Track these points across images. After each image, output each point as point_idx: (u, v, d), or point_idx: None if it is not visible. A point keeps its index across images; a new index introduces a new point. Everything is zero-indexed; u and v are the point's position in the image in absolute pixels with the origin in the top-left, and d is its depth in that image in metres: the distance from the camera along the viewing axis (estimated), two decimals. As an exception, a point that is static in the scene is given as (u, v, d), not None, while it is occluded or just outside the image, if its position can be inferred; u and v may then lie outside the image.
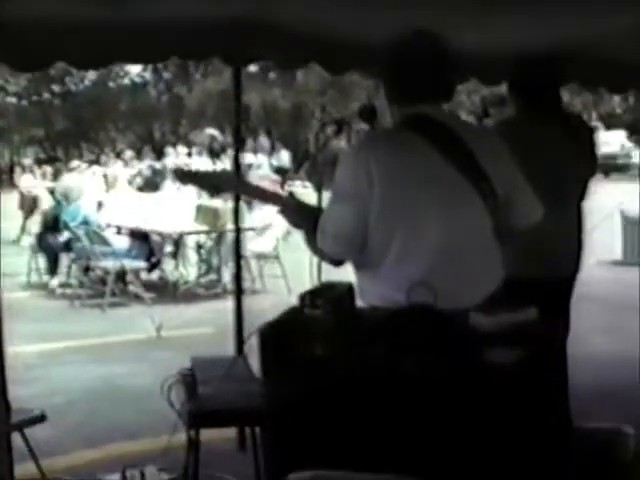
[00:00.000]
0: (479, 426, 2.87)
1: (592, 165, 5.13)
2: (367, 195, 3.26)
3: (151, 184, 19.32)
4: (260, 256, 11.91)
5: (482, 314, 2.92)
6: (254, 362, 3.55)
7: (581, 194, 5.04)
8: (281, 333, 3.03)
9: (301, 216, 3.49)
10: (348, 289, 3.16)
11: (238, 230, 5.95)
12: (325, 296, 3.01)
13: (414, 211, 3.28)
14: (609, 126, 43.48)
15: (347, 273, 3.54)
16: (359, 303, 3.28)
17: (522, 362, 2.80)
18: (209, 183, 4.00)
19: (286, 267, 11.50)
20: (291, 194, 3.58)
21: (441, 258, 3.27)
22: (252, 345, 3.29)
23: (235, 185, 4.27)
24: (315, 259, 3.44)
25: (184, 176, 4.36)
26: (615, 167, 34.92)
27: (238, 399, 3.68)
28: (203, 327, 9.42)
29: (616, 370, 7.40)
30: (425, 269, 3.23)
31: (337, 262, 3.45)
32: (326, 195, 3.48)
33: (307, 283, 3.34)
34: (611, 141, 38.52)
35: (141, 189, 17.77)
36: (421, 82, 3.40)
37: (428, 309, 2.93)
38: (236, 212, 5.87)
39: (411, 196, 3.28)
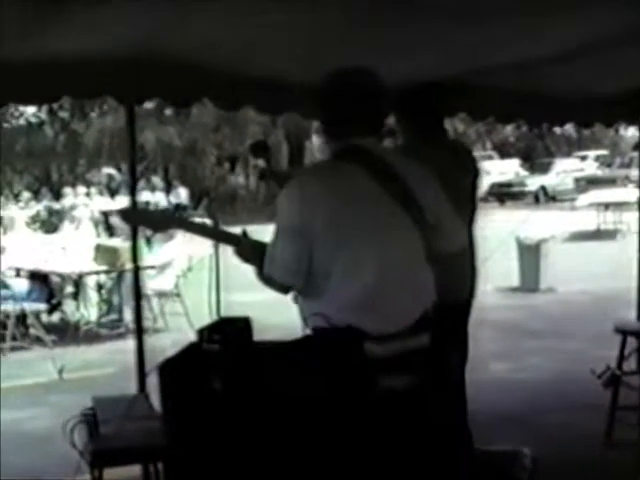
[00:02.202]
0: (372, 451, 2.92)
1: (476, 191, 5.27)
2: (311, 226, 3.40)
3: (49, 225, 19.09)
4: (161, 294, 11.85)
5: (375, 342, 2.98)
6: (156, 399, 3.56)
7: (470, 219, 5.16)
8: (180, 368, 3.05)
9: (255, 254, 3.56)
10: (245, 323, 3.20)
11: (137, 269, 5.93)
12: (222, 331, 3.05)
13: (354, 238, 3.41)
14: (503, 155, 44.38)
15: (247, 308, 3.60)
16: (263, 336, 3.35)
17: (414, 387, 2.86)
18: (157, 222, 3.99)
19: (187, 304, 11.45)
20: (244, 233, 3.64)
21: (379, 283, 3.40)
22: (154, 383, 3.31)
23: (183, 223, 4.21)
24: (214, 296, 3.48)
25: (131, 216, 4.36)
26: (510, 195, 35.62)
27: (140, 436, 3.68)
28: (105, 368, 9.33)
29: (514, 394, 7.56)
30: (363, 294, 3.35)
31: (286, 289, 3.55)
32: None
33: (208, 320, 3.37)
34: (506, 169, 39.31)
35: (40, 230, 17.56)
36: (357, 116, 3.55)
37: (322, 339, 2.99)
38: (134, 251, 5.87)
39: (351, 224, 3.42)
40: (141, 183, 27.90)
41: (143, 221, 4.06)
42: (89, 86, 5.38)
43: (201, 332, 3.07)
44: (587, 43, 5.18)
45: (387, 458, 2.97)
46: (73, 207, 19.19)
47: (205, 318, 3.43)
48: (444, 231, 3.64)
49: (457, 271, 4.71)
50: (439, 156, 4.92)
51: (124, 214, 4.27)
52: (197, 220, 4.32)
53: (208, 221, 3.85)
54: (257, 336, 3.27)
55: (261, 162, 4.16)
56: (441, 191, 3.69)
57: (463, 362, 5.06)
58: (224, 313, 3.44)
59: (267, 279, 3.50)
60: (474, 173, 5.27)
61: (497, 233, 11.40)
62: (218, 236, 3.73)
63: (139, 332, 5.85)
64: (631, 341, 6.03)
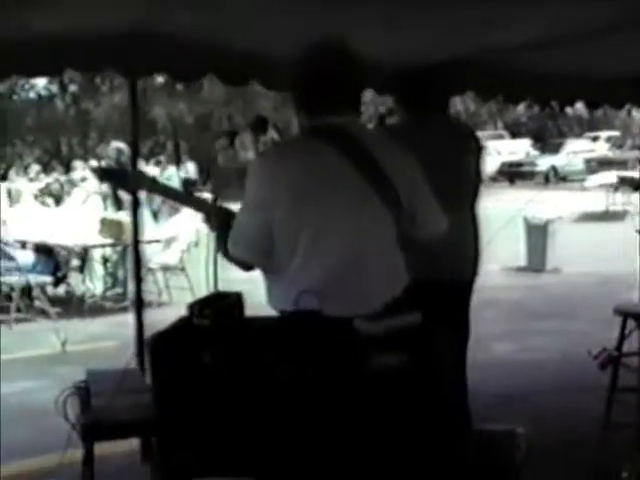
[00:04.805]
0: (365, 430, 2.92)
1: (478, 170, 5.24)
2: (273, 202, 3.31)
3: (56, 198, 19.09)
4: (166, 268, 11.87)
5: (366, 319, 2.96)
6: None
7: (473, 198, 5.14)
8: (170, 343, 3.04)
9: (223, 224, 3.48)
10: (237, 299, 3.19)
11: (137, 243, 5.93)
12: (213, 306, 3.03)
13: (319, 217, 3.33)
14: (515, 134, 44.25)
15: (245, 283, 3.59)
16: (261, 310, 3.33)
17: (407, 366, 2.85)
18: (128, 181, 3.96)
19: (192, 279, 11.46)
20: (216, 201, 3.57)
21: (344, 264, 3.31)
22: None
23: (153, 185, 4.16)
24: (211, 270, 3.46)
25: (103, 173, 4.34)
26: (520, 174, 35.55)
27: (132, 411, 3.66)
28: (109, 340, 9.35)
29: (515, 375, 7.55)
30: (328, 275, 3.27)
31: (247, 267, 3.49)
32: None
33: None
34: (516, 149, 39.21)
35: (47, 203, 17.54)
36: (331, 93, 3.43)
37: (313, 316, 2.97)
38: (135, 224, 5.87)
39: (316, 203, 3.32)
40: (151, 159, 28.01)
41: (115, 180, 4.01)
42: (91, 59, 5.37)
43: (192, 307, 3.06)
44: (593, 24, 5.14)
45: (376, 435, 2.96)
46: (83, 180, 19.15)
47: (210, 292, 3.41)
48: (421, 219, 3.55)
49: (454, 250, 4.70)
50: (437, 137, 4.91)
51: (98, 172, 4.25)
52: (204, 195, 4.28)
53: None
54: (251, 312, 3.27)
55: (269, 137, 4.13)
56: (422, 177, 3.58)
57: (465, 342, 5.05)
58: (222, 288, 3.42)
59: (229, 254, 3.44)
60: (476, 153, 5.24)
61: (505, 212, 11.36)
62: (188, 202, 3.67)
63: (139, 306, 5.86)
64: (632, 323, 6.01)
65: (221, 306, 3.04)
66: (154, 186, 3.83)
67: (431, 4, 4.79)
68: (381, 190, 3.39)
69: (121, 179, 3.94)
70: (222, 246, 3.46)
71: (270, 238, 3.35)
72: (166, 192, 3.92)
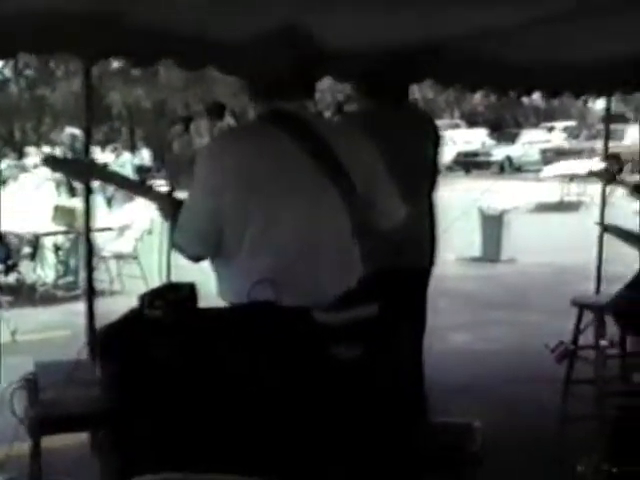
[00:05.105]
0: (323, 422, 2.85)
1: (436, 158, 5.20)
2: (223, 189, 3.23)
3: (8, 183, 18.84)
4: (119, 256, 11.74)
5: (323, 310, 2.89)
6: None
7: (430, 186, 5.10)
8: (120, 335, 2.95)
9: (176, 214, 3.39)
10: (190, 290, 3.10)
11: (89, 230, 5.83)
12: (165, 297, 2.94)
13: (267, 205, 3.25)
14: (471, 124, 44.40)
15: (199, 272, 3.50)
16: (216, 301, 3.25)
17: (364, 357, 2.78)
18: (78, 170, 3.85)
19: (145, 268, 11.35)
20: (171, 191, 3.47)
21: (295, 253, 3.25)
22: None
23: (103, 174, 4.04)
24: (165, 259, 3.38)
25: (55, 163, 4.21)
26: (475, 164, 35.66)
27: (81, 403, 3.58)
28: (60, 330, 9.19)
29: (471, 366, 7.52)
30: (278, 264, 3.21)
31: (196, 258, 3.41)
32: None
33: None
34: (472, 139, 39.32)
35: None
36: (284, 78, 3.36)
37: (270, 306, 2.89)
38: (87, 212, 5.76)
39: (265, 189, 3.24)
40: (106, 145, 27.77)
41: (65, 169, 3.91)
42: (45, 42, 5.24)
43: (143, 298, 2.96)
44: (552, 12, 5.11)
45: (333, 427, 2.89)
46: (36, 166, 18.91)
47: (163, 281, 3.32)
48: (379, 208, 3.50)
49: (411, 238, 4.63)
50: (398, 124, 4.87)
51: (47, 161, 4.13)
52: (158, 182, 4.19)
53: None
54: (204, 303, 3.19)
55: (225, 123, 4.05)
56: (381, 165, 3.52)
57: (421, 332, 5.01)
58: (176, 278, 3.33)
59: (177, 245, 3.36)
60: (435, 141, 5.21)
61: (461, 202, 11.36)
62: (142, 191, 3.57)
63: (90, 295, 5.74)
64: (589, 315, 6.00)
65: (173, 297, 2.95)
66: (107, 175, 3.73)
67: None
68: (335, 178, 3.32)
69: (73, 169, 3.83)
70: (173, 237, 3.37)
71: (219, 227, 3.27)
72: (120, 182, 3.83)
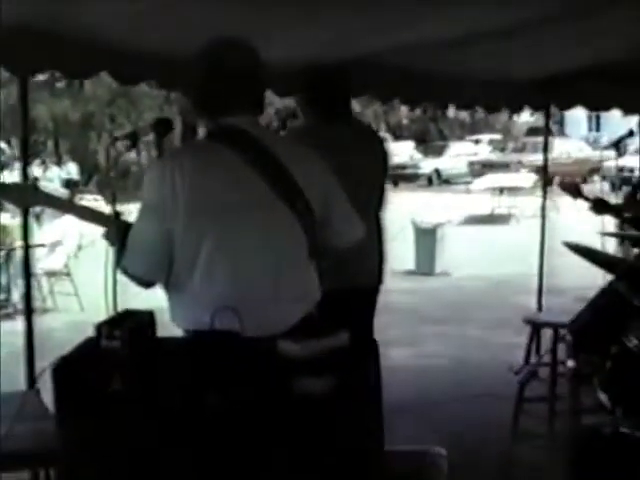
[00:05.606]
0: (289, 458, 2.71)
1: (384, 173, 5.12)
2: (171, 207, 3.10)
3: None
4: (51, 274, 11.49)
5: (291, 341, 2.75)
6: (47, 396, 3.29)
7: (378, 203, 5.02)
8: (76, 367, 2.78)
9: (121, 239, 3.19)
10: (149, 317, 2.95)
11: (27, 247, 5.62)
12: (123, 326, 2.78)
13: (221, 224, 3.13)
14: (397, 137, 44.58)
15: (149, 294, 3.36)
16: (167, 330, 3.11)
17: (335, 389, 2.65)
18: (21, 197, 3.65)
19: (78, 284, 11.16)
20: (117, 214, 3.30)
21: (251, 278, 3.14)
22: (45, 377, 3.04)
23: (48, 200, 3.84)
24: (110, 278, 3.21)
25: None
26: (404, 177, 35.73)
27: (30, 439, 3.39)
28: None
29: (415, 383, 7.41)
30: (235, 287, 3.10)
31: (147, 284, 3.26)
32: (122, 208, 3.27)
33: (100, 300, 3.11)
34: (400, 152, 39.45)
35: None
36: (231, 93, 3.25)
37: (233, 336, 2.75)
38: (25, 228, 5.55)
39: (217, 210, 3.12)
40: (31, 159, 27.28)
41: (4, 194, 3.68)
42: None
43: (99, 327, 2.79)
44: (481, 30, 5.18)
45: (303, 461, 2.76)
46: (-41, 181, 18.52)
47: (96, 299, 3.15)
48: (334, 228, 3.39)
49: (361, 258, 4.53)
50: (344, 138, 4.77)
51: None
52: (87, 197, 4.02)
53: (99, 197, 3.57)
54: (161, 330, 3.04)
55: (166, 139, 3.90)
56: (334, 181, 3.42)
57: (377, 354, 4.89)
58: (121, 299, 3.17)
59: (126, 271, 3.17)
60: (382, 155, 5.12)
61: (394, 216, 11.27)
62: (86, 215, 3.39)
63: (29, 314, 5.52)
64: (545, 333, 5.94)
65: (131, 326, 2.79)
66: (50, 200, 3.53)
67: (333, 5, 4.68)
68: (290, 197, 3.22)
69: (15, 194, 3.62)
70: (120, 263, 3.18)
71: (169, 250, 3.14)
72: (62, 205, 3.66)
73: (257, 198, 3.17)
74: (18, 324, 6.57)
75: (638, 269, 3.87)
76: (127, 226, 3.25)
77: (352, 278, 4.57)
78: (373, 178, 4.99)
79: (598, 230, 9.23)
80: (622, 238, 7.18)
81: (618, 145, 6.17)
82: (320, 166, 3.39)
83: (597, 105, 8.12)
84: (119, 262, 3.16)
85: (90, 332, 3.04)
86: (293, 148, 3.44)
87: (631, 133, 6.29)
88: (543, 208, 8.29)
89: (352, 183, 3.67)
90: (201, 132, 3.65)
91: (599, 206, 5.83)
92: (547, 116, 8.63)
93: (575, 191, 5.97)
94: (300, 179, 3.23)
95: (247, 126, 3.26)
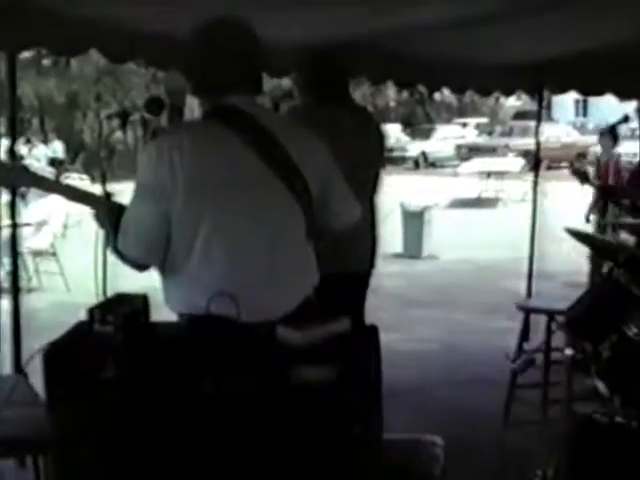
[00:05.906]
0: (289, 446, 2.65)
1: (380, 156, 5.07)
2: (169, 187, 3.03)
3: None
4: (36, 253, 11.40)
5: (293, 328, 2.68)
6: (37, 381, 3.21)
7: (373, 187, 4.96)
8: (68, 353, 2.70)
9: (112, 221, 3.13)
10: (143, 302, 2.87)
11: (15, 226, 5.54)
12: (117, 310, 2.70)
13: (218, 205, 3.07)
14: (384, 119, 44.50)
15: (138, 276, 3.29)
16: (161, 314, 3.04)
17: (335, 378, 2.59)
18: (9, 178, 3.56)
19: (64, 264, 11.08)
20: (108, 195, 3.21)
21: (249, 258, 3.08)
22: (35, 362, 2.97)
23: (38, 181, 3.76)
24: (100, 259, 3.14)
25: None
26: (391, 160, 35.65)
27: (20, 425, 3.32)
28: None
29: (404, 367, 7.34)
30: (230, 273, 3.03)
31: (141, 267, 3.19)
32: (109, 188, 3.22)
33: (87, 280, 3.05)
34: (387, 134, 39.37)
35: None
36: (228, 72, 3.20)
37: (229, 322, 2.68)
38: (12, 206, 5.48)
39: (215, 189, 3.07)
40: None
41: None
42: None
43: (92, 311, 2.71)
44: (476, 13, 5.13)
45: (302, 448, 2.69)
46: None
47: (83, 279, 3.07)
48: (332, 209, 3.35)
49: (354, 241, 4.48)
50: (341, 120, 4.73)
51: None
52: (73, 175, 3.94)
53: (84, 176, 3.48)
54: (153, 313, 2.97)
55: (153, 119, 3.82)
56: (332, 161, 3.37)
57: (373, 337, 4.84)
58: (111, 281, 3.10)
59: (120, 253, 3.11)
60: (379, 137, 5.07)
61: (381, 199, 11.18)
62: (76, 196, 3.31)
63: (16, 293, 5.44)
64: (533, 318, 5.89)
65: (124, 310, 2.71)
66: (37, 181, 3.45)
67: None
68: (287, 176, 3.17)
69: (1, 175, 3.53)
70: (113, 245, 3.13)
71: (167, 230, 3.07)
72: (51, 186, 3.57)
73: (255, 177, 3.13)
74: (3, 303, 6.50)
75: (638, 257, 3.81)
76: (119, 207, 3.17)
77: (345, 262, 4.53)
78: (369, 161, 4.95)
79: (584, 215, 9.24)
80: (615, 226, 7.14)
81: (614, 131, 6.14)
82: (318, 146, 3.34)
83: (591, 90, 8.04)
84: (111, 244, 3.10)
85: (75, 312, 2.98)
86: (291, 128, 3.40)
87: (626, 118, 6.25)
88: (535, 192, 8.22)
89: (349, 165, 3.61)
90: (187, 113, 3.57)
91: (607, 193, 5.83)
92: (540, 100, 8.57)
93: (583, 177, 5.98)
94: (298, 159, 3.18)
95: (245, 106, 3.21)
